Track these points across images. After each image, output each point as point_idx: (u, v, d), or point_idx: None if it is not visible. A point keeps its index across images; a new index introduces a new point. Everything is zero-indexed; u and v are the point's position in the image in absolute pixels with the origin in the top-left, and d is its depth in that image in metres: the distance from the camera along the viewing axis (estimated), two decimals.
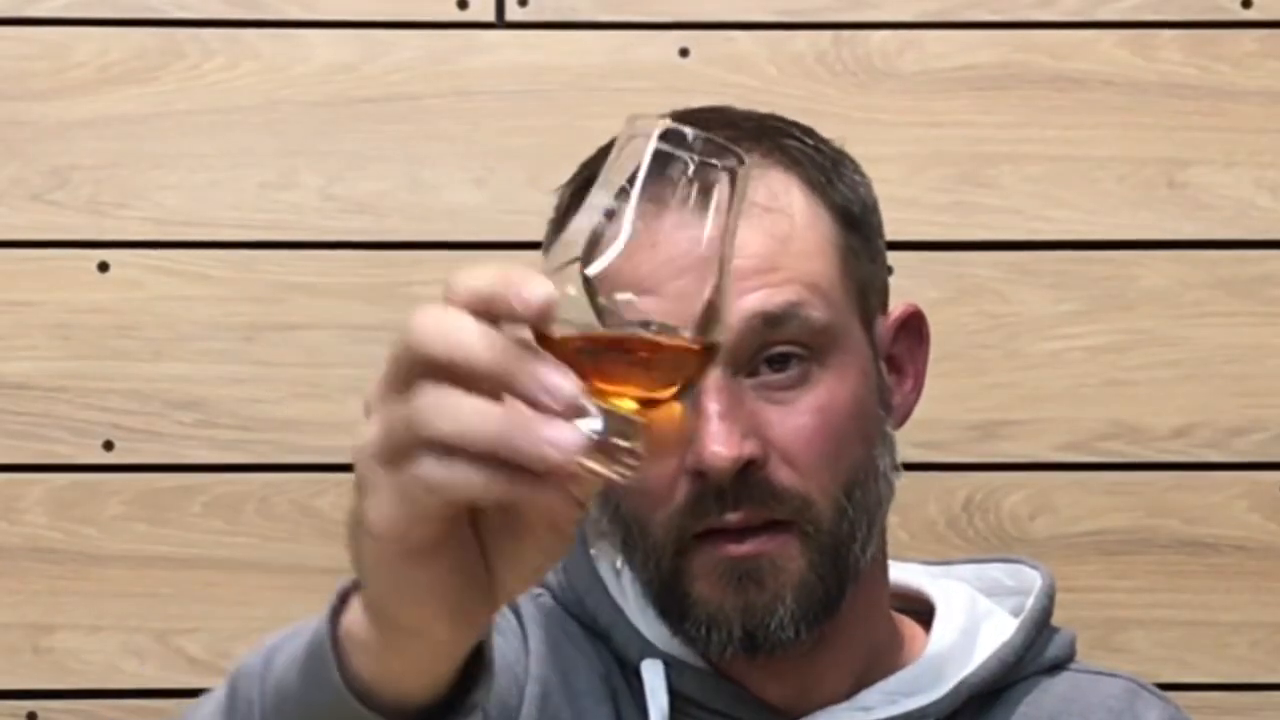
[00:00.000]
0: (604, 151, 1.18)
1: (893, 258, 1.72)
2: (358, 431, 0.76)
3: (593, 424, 0.71)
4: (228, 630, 1.71)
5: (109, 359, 1.72)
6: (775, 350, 1.10)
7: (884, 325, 1.18)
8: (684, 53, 1.74)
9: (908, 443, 1.70)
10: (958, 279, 1.74)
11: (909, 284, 1.72)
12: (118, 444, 1.72)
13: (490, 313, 0.71)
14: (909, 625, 1.23)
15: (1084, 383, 1.73)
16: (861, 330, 1.15)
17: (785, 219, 1.12)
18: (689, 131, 0.75)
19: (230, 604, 1.71)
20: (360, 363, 1.72)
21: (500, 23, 1.74)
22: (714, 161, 0.75)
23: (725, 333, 0.75)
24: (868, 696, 1.15)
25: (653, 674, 1.15)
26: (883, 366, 1.18)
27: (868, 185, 1.19)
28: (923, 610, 1.23)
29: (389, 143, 1.73)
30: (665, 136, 0.74)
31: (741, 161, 0.75)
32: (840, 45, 1.74)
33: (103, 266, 1.72)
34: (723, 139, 0.75)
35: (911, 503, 1.71)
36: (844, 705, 1.15)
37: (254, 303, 1.72)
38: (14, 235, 1.72)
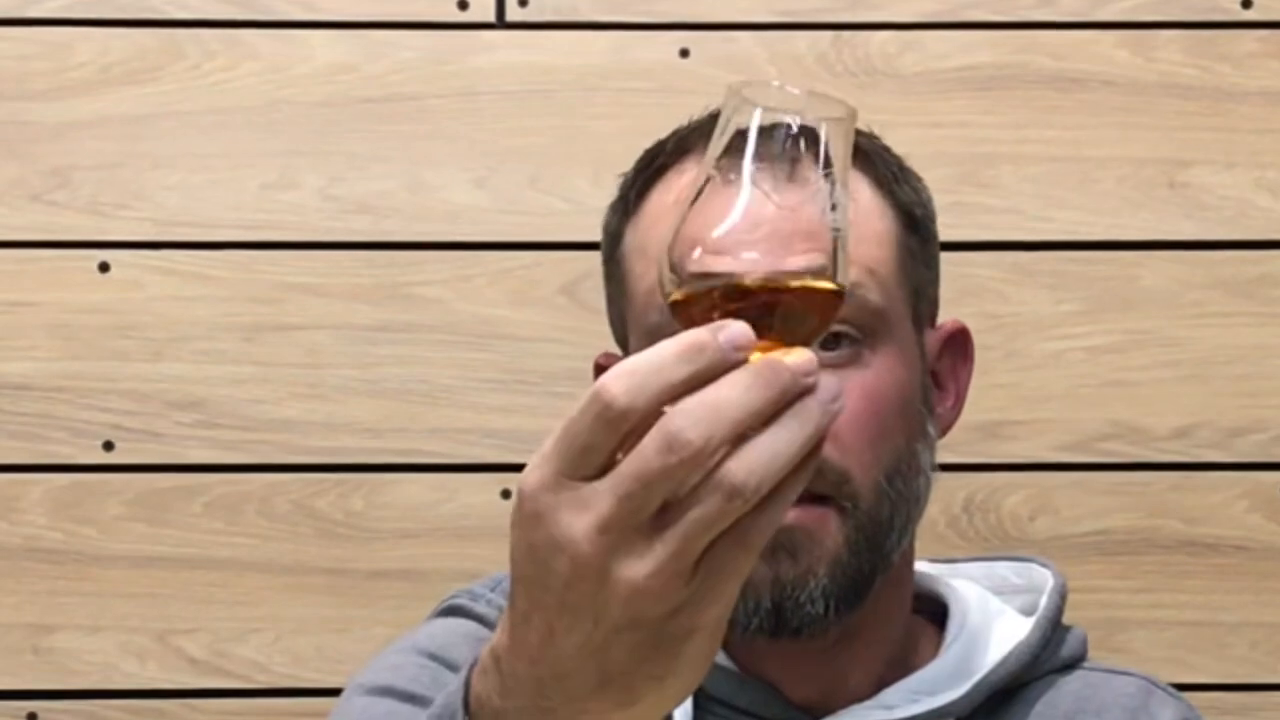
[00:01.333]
0: (676, 133, 1.19)
1: None
2: (621, 588, 0.71)
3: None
4: (228, 630, 1.71)
5: (109, 359, 1.72)
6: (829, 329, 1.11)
7: (932, 337, 1.19)
8: (684, 53, 1.74)
9: None
10: (958, 279, 1.73)
11: None
12: (118, 444, 1.72)
13: (702, 383, 0.71)
14: (921, 625, 1.23)
15: (1084, 383, 1.73)
16: (912, 329, 1.16)
17: (852, 203, 1.13)
18: (793, 90, 0.75)
19: (230, 604, 1.71)
20: (360, 363, 1.72)
21: (500, 23, 1.74)
22: (818, 116, 0.75)
23: (845, 279, 0.76)
24: (890, 695, 1.15)
25: None
26: (928, 376, 1.18)
27: (929, 194, 1.21)
28: (931, 609, 1.23)
29: (389, 143, 1.73)
30: (767, 98, 0.75)
31: (845, 114, 0.76)
32: (840, 45, 1.74)
33: (103, 266, 1.72)
34: (827, 96, 0.76)
35: None
36: (867, 704, 1.15)
37: (254, 303, 1.72)
38: (14, 235, 1.72)
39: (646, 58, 1.74)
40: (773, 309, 0.74)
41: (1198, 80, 1.75)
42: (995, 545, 1.71)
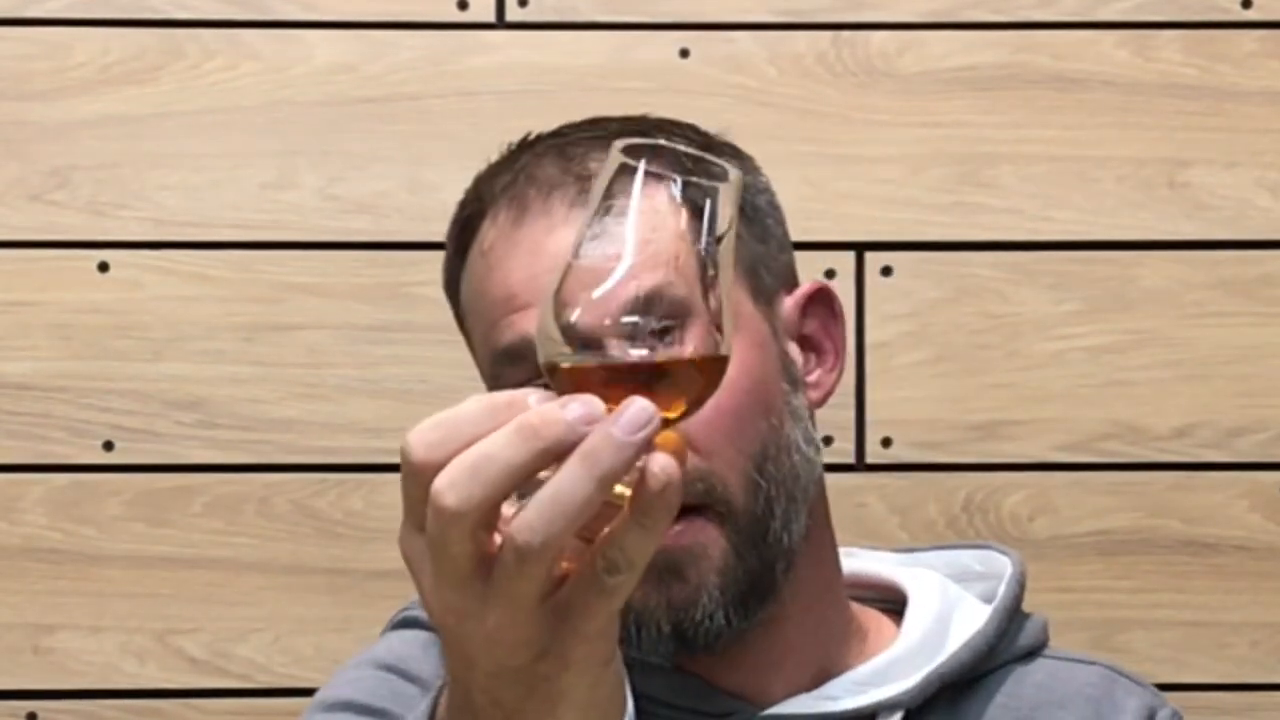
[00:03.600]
0: (477, 179, 1.20)
1: (893, 258, 1.73)
2: (472, 642, 0.71)
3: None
4: (228, 630, 1.71)
5: (109, 359, 1.72)
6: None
7: (788, 304, 1.17)
8: (684, 53, 1.74)
9: (908, 442, 1.71)
10: (958, 279, 1.73)
11: (909, 284, 1.72)
12: (118, 444, 1.72)
13: (494, 423, 0.69)
14: (874, 616, 1.21)
15: (1084, 383, 1.73)
16: (754, 308, 1.14)
17: (649, 212, 1.12)
18: (677, 149, 0.74)
19: (230, 604, 1.71)
20: (360, 363, 1.72)
21: (500, 23, 1.74)
22: (700, 180, 0.74)
23: (727, 347, 0.73)
24: (833, 687, 1.14)
25: None
26: (790, 345, 1.16)
27: (749, 163, 1.18)
28: (891, 599, 1.23)
29: (389, 143, 1.73)
30: (647, 159, 0.74)
31: (727, 175, 0.75)
32: (840, 45, 1.74)
33: (103, 266, 1.72)
34: (708, 156, 0.74)
35: (911, 503, 1.71)
36: (809, 695, 1.14)
37: (254, 303, 1.72)
38: (14, 235, 1.72)
39: (646, 58, 1.74)
40: (654, 377, 0.72)
41: (1198, 80, 1.75)
42: None
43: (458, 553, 0.69)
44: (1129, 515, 1.73)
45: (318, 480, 1.72)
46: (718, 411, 1.07)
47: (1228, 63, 1.75)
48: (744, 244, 1.14)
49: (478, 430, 0.69)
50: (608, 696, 0.74)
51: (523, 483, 0.68)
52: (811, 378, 1.18)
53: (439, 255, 1.75)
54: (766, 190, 1.19)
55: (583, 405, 0.69)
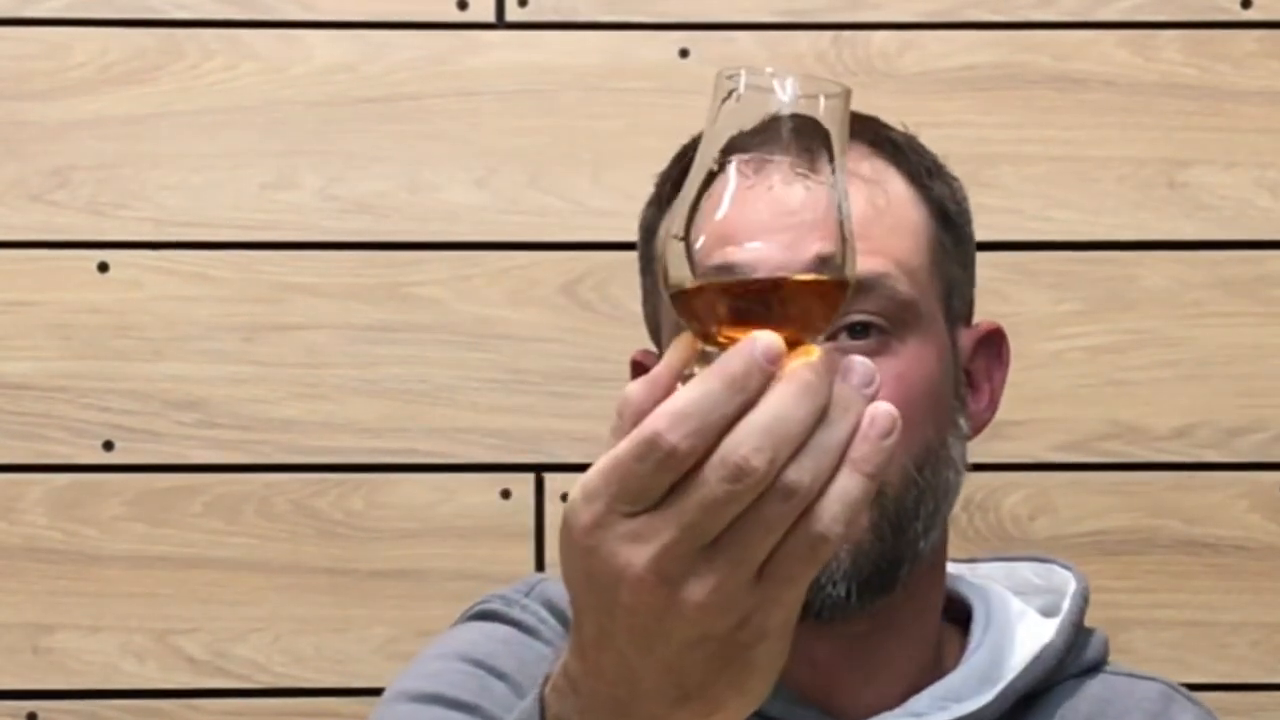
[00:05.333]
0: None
1: None
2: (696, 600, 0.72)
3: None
4: (228, 630, 1.71)
5: (109, 359, 1.72)
6: (857, 319, 1.10)
7: (966, 336, 1.19)
8: (684, 53, 1.74)
9: None
10: None
11: None
12: (118, 444, 1.72)
13: (746, 399, 0.71)
14: (944, 626, 1.22)
15: (1084, 383, 1.73)
16: (944, 324, 1.15)
17: (883, 194, 1.13)
18: (787, 78, 0.75)
19: (230, 604, 1.71)
20: (360, 363, 1.72)
21: (500, 23, 1.74)
22: (814, 101, 0.75)
23: (852, 270, 0.75)
24: (917, 702, 1.15)
25: None
26: (961, 375, 1.18)
27: (965, 196, 1.20)
28: (952, 610, 1.23)
29: (389, 143, 1.73)
30: (761, 86, 0.74)
31: (842, 93, 0.75)
32: (840, 45, 1.74)
33: (103, 266, 1.72)
34: (819, 79, 0.75)
35: None
36: (896, 711, 1.15)
37: (254, 303, 1.72)
38: (14, 235, 1.72)
39: (646, 58, 1.74)
40: (779, 302, 0.73)
41: (1198, 80, 1.75)
42: (995, 545, 1.71)
43: (731, 515, 0.70)
44: (1129, 515, 1.73)
45: (318, 480, 1.72)
46: (894, 401, 1.08)
47: (1228, 63, 1.75)
48: (950, 262, 1.17)
49: (727, 410, 0.71)
50: (778, 670, 0.75)
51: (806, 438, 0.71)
52: (969, 409, 1.19)
53: (439, 255, 1.77)
54: (971, 222, 1.20)
55: (828, 357, 0.72)
